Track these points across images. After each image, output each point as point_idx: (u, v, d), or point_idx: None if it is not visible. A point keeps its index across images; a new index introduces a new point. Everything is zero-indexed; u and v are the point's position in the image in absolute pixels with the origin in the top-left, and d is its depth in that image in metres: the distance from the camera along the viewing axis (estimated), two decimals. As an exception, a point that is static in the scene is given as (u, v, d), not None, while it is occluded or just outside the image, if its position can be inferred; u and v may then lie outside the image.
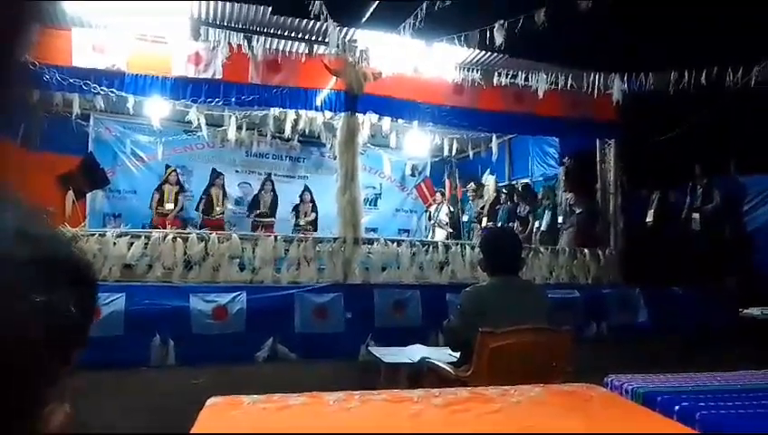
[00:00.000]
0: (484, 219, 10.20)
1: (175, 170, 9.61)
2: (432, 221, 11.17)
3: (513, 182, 11.06)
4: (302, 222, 10.03)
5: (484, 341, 2.74)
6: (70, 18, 6.50)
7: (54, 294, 0.42)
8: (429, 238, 10.32)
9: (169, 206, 9.18)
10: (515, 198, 9.99)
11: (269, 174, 10.72)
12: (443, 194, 11.45)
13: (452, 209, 11.02)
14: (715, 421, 1.66)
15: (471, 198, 10.92)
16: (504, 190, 10.39)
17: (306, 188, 10.49)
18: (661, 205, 8.80)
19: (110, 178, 9.21)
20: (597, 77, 8.01)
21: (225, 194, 9.77)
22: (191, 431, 1.30)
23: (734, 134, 8.14)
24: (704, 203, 8.41)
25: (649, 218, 8.81)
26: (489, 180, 10.98)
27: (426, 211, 12.04)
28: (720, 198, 8.24)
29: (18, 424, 0.39)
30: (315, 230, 9.78)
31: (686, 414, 1.72)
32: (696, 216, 8.38)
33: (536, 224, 9.33)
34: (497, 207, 10.19)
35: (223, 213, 9.67)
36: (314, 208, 10.18)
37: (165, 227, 7.49)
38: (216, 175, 9.83)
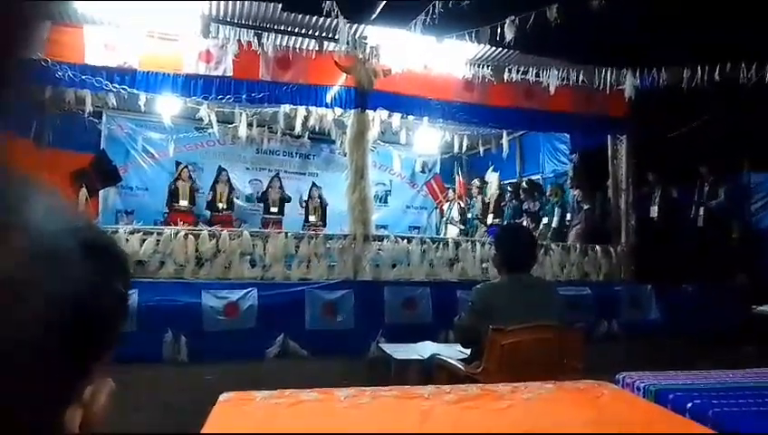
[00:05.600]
0: (490, 216, 10.18)
1: (186, 167, 9.66)
2: (445, 218, 11.18)
3: (522, 179, 11.03)
4: (311, 217, 10.06)
5: (495, 338, 2.73)
6: (82, 16, 6.54)
7: (99, 274, 0.43)
8: (443, 236, 10.32)
9: (184, 202, 9.25)
10: (521, 194, 9.97)
11: (277, 172, 10.75)
12: (454, 191, 11.44)
13: (462, 206, 11.03)
14: (728, 419, 1.65)
15: (474, 193, 10.91)
16: (509, 188, 10.36)
17: (314, 185, 10.52)
18: (664, 201, 8.76)
19: (122, 175, 9.28)
20: (609, 73, 7.95)
21: (231, 189, 9.81)
22: (204, 427, 1.31)
23: (747, 131, 8.07)
24: (708, 200, 8.38)
25: (653, 214, 8.77)
26: (492, 177, 10.95)
27: (436, 208, 12.04)
28: (725, 195, 8.21)
29: (63, 396, 0.40)
30: (324, 225, 9.81)
31: (699, 412, 1.71)
32: (701, 212, 8.37)
33: (545, 220, 9.32)
34: (502, 204, 10.17)
35: (231, 208, 9.72)
36: (323, 203, 10.21)
37: (179, 223, 7.54)
38: (220, 171, 9.88)
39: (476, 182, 10.96)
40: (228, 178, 9.83)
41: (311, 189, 10.47)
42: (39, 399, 0.38)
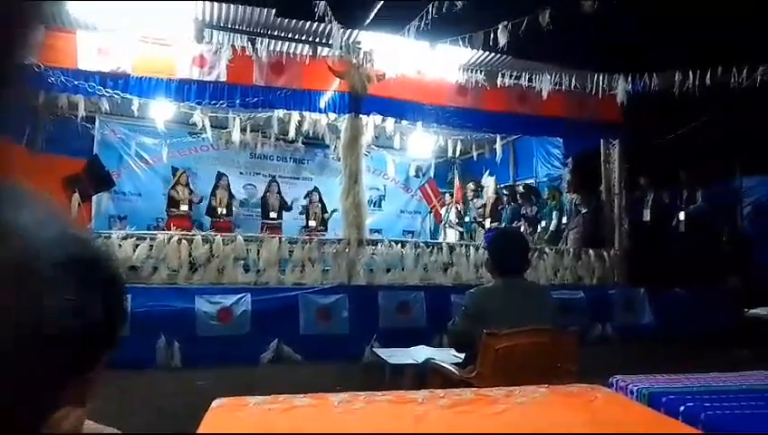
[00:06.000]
0: (487, 220, 10.20)
1: (185, 172, 9.64)
2: (444, 222, 11.20)
3: (516, 183, 11.07)
4: (311, 223, 10.03)
5: (489, 342, 2.73)
6: (75, 21, 6.53)
7: (79, 294, 0.42)
8: (442, 239, 10.31)
9: (184, 207, 9.23)
10: (517, 198, 9.99)
11: (273, 176, 10.71)
12: (451, 195, 11.46)
13: (459, 209, 11.06)
14: (721, 422, 1.66)
15: (470, 197, 10.92)
16: (504, 191, 10.39)
17: (315, 189, 10.45)
18: (656, 205, 8.82)
19: (115, 181, 9.23)
20: (601, 78, 7.99)
21: (231, 195, 9.78)
22: (196, 432, 1.30)
23: (740, 134, 8.12)
24: (687, 204, 8.47)
25: (646, 218, 8.83)
26: (488, 181, 10.97)
27: (430, 212, 12.06)
28: (703, 200, 8.31)
29: (22, 424, 0.39)
30: (326, 230, 9.77)
31: (692, 415, 1.71)
32: (681, 217, 8.48)
33: (542, 224, 9.34)
34: (500, 207, 10.19)
35: (230, 214, 9.67)
36: (324, 208, 10.15)
37: (174, 228, 7.53)
38: (220, 176, 9.84)
39: (471, 186, 10.98)
40: (228, 184, 9.78)
41: (311, 194, 10.42)
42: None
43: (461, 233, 10.75)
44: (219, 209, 9.45)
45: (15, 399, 0.37)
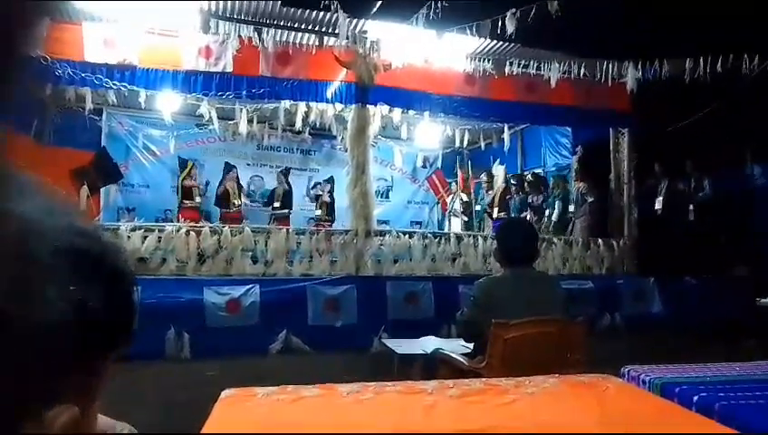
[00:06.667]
0: (495, 210, 10.15)
1: (194, 164, 9.67)
2: (449, 211, 11.17)
3: (524, 172, 11.00)
4: (318, 212, 10.05)
5: (498, 332, 2.72)
6: (81, 13, 6.52)
7: (86, 286, 0.40)
8: (447, 229, 10.29)
9: (198, 199, 9.32)
10: (526, 187, 9.94)
11: (284, 168, 10.71)
12: (457, 184, 11.42)
13: (465, 199, 11.00)
14: (735, 412, 1.63)
15: (485, 188, 10.86)
16: (512, 181, 10.34)
17: (330, 180, 10.44)
18: (668, 194, 8.75)
19: (123, 173, 9.26)
20: (610, 65, 7.92)
21: (240, 187, 9.81)
22: (206, 423, 1.30)
23: (751, 122, 8.03)
24: (696, 193, 8.41)
25: (658, 206, 8.76)
26: (498, 170, 10.92)
27: (437, 203, 12.03)
28: (710, 187, 8.25)
29: (13, 421, 0.38)
30: (334, 220, 9.79)
31: (706, 405, 1.69)
32: (691, 205, 8.43)
33: (547, 213, 9.30)
34: (508, 197, 10.14)
35: (239, 206, 9.70)
36: (332, 198, 10.16)
37: (194, 220, 7.59)
38: (229, 168, 9.85)
39: (484, 177, 10.92)
40: (238, 176, 9.81)
41: (322, 184, 10.41)
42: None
43: (465, 222, 10.70)
44: (229, 201, 9.47)
45: (7, 393, 0.36)
